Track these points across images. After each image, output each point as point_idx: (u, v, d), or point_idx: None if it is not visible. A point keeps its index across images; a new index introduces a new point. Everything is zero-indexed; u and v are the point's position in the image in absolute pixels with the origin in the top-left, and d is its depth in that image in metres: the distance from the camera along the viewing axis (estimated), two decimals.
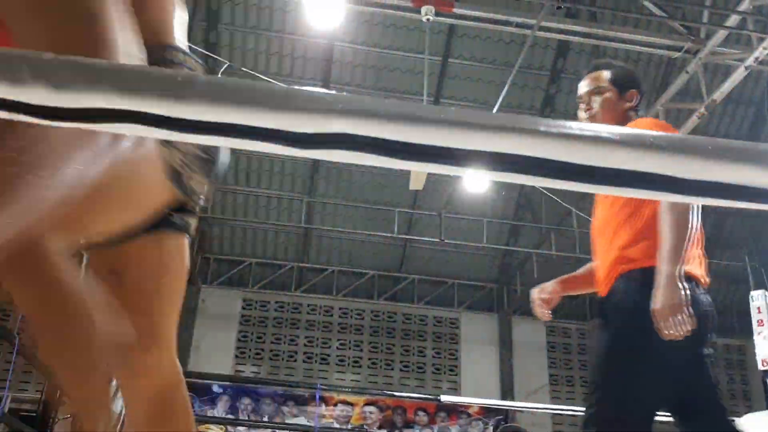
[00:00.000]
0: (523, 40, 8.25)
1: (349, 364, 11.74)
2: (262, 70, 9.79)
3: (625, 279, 2.14)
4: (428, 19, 6.44)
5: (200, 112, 0.57)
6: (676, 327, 1.91)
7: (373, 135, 0.58)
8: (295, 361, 11.60)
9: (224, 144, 0.61)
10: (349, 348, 11.88)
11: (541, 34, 7.43)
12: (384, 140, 0.58)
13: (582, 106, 2.48)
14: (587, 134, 0.58)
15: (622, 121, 2.42)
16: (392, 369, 11.81)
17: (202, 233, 11.32)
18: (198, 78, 0.58)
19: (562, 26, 7.40)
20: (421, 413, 10.95)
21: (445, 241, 10.29)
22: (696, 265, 2.15)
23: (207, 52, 8.84)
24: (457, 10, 6.74)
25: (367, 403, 10.86)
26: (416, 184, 7.94)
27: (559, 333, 12.47)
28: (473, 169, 0.60)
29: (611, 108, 2.42)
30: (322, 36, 9.18)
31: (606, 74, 2.47)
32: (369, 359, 11.84)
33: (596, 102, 2.44)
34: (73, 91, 0.56)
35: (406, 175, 8.69)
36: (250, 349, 11.52)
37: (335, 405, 10.68)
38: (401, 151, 0.59)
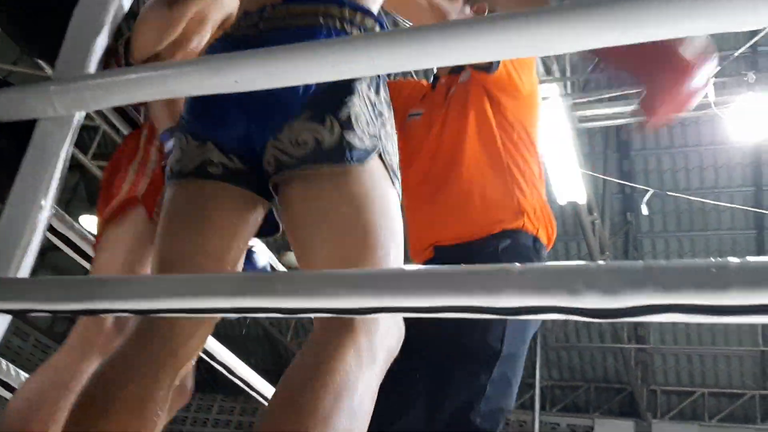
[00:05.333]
0: None
1: None
2: (683, 187, 9.46)
3: None
4: None
5: (734, 298, 0.63)
6: None
7: None
8: None
9: (755, 321, 0.65)
10: None
11: None
12: None
13: None
14: None
15: None
16: None
17: (644, 364, 10.91)
18: (728, 264, 0.64)
19: None
20: None
21: None
22: None
23: (623, 182, 8.93)
24: None
25: None
26: None
27: None
28: None
29: None
30: (746, 141, 8.57)
31: None
32: None
33: None
34: (620, 294, 0.67)
35: None
36: None
37: None
38: None
